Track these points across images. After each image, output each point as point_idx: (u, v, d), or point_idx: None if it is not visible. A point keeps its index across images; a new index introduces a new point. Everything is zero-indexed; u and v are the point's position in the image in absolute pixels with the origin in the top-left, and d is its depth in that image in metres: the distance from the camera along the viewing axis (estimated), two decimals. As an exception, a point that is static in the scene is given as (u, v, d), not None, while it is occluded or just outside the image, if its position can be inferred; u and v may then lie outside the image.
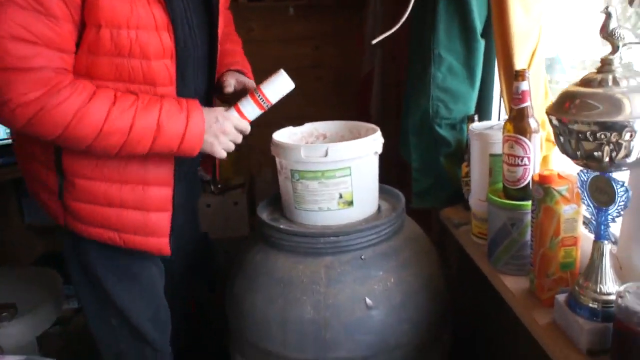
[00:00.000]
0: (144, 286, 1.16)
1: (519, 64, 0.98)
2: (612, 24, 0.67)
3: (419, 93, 1.30)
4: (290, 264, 1.11)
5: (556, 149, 0.99)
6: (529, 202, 0.94)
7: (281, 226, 1.15)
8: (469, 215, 1.27)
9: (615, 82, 0.67)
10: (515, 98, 0.94)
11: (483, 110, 1.31)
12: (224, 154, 1.05)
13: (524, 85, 0.93)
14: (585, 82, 0.70)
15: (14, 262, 2.29)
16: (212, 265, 1.55)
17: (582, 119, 0.67)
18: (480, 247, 1.13)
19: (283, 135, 1.30)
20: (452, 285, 1.36)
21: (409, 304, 1.08)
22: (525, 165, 0.96)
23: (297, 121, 2.51)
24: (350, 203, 1.17)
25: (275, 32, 2.45)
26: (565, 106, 0.71)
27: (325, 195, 1.15)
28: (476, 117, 1.25)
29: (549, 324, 0.84)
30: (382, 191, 1.31)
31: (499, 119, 1.32)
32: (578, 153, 0.71)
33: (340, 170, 1.13)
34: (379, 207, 1.26)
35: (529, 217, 0.95)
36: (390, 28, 2.19)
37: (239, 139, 1.06)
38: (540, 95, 1.02)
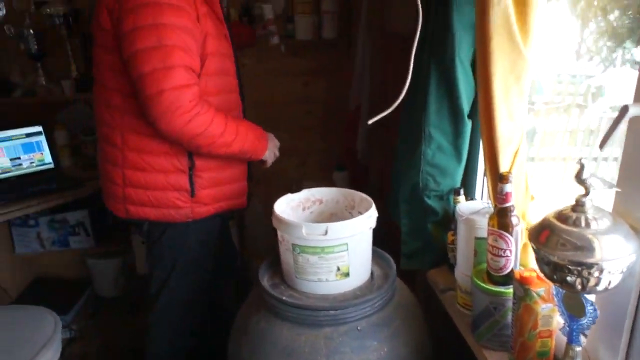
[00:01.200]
0: (217, 256, 1.67)
1: (503, 165, 1.09)
2: (585, 174, 0.78)
3: (409, 166, 1.40)
4: (293, 335, 1.20)
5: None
6: (510, 290, 1.06)
7: (284, 297, 1.24)
8: (454, 279, 1.39)
9: (587, 223, 0.78)
10: (499, 198, 1.05)
11: (468, 183, 1.42)
12: (270, 162, 1.64)
13: (507, 188, 1.04)
14: (561, 217, 0.81)
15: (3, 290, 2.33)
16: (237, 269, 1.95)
17: (559, 254, 0.78)
18: (465, 317, 1.24)
19: (282, 203, 1.39)
20: (436, 347, 1.45)
21: (400, 372, 1.19)
22: (507, 256, 1.07)
23: (288, 151, 2.60)
24: (347, 274, 1.26)
25: (268, 68, 2.52)
26: (542, 236, 0.82)
27: (324, 268, 1.25)
28: (462, 191, 1.35)
29: (525, 408, 0.95)
30: (374, 254, 1.41)
31: (482, 194, 1.42)
32: (554, 277, 0.82)
33: (339, 247, 1.23)
34: (372, 273, 1.37)
35: (510, 302, 1.06)
36: (376, 68, 2.27)
37: (277, 152, 1.66)
38: (521, 190, 1.13)
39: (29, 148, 2.29)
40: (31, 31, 2.23)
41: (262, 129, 1.56)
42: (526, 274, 0.97)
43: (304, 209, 1.46)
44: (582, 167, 0.78)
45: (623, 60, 1.28)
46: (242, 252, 2.61)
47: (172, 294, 1.61)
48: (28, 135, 2.29)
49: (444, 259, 1.45)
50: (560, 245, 0.79)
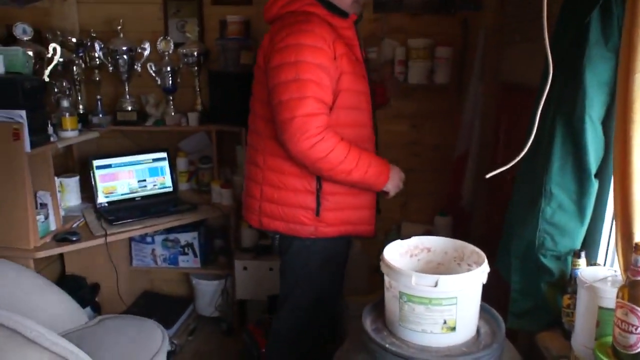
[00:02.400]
0: (339, 276, 1.82)
1: (638, 232, 1.02)
2: None
3: (525, 222, 1.35)
4: (393, 384, 1.19)
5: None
6: (641, 371, 0.97)
7: (387, 345, 1.23)
8: (567, 345, 1.29)
9: None
10: (633, 269, 0.98)
11: (589, 246, 1.33)
12: (393, 193, 1.73)
13: (643, 259, 0.96)
14: None
15: (119, 299, 2.53)
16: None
17: None
18: (582, 392, 1.15)
19: (391, 249, 1.39)
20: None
21: None
22: (639, 334, 0.99)
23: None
24: (453, 329, 1.23)
25: (378, 110, 2.57)
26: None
27: (430, 320, 1.23)
28: (583, 253, 1.28)
29: None
30: (480, 310, 1.36)
31: (605, 259, 1.33)
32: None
33: (448, 300, 1.21)
34: (478, 329, 1.32)
35: (639, 385, 0.98)
36: (487, 116, 2.23)
37: (401, 185, 1.75)
38: (657, 262, 1.04)
39: (154, 172, 2.52)
40: (168, 68, 2.48)
41: (386, 162, 1.68)
42: (663, 357, 0.89)
43: (411, 256, 1.46)
44: None
45: None
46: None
47: (294, 306, 1.79)
48: (155, 160, 2.53)
49: (557, 322, 1.36)
50: None
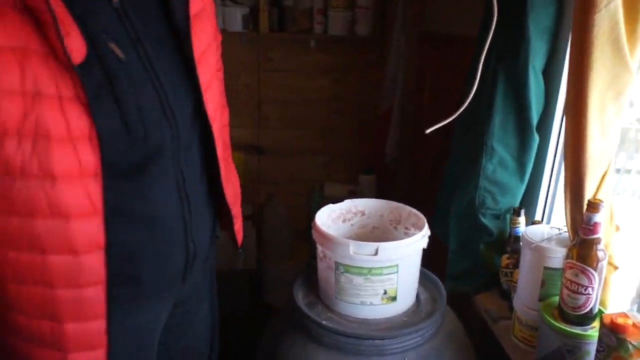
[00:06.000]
0: None
1: (589, 189, 0.96)
2: None
3: (466, 181, 1.27)
4: (332, 364, 1.07)
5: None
6: (591, 333, 0.94)
7: (323, 322, 1.11)
8: (506, 306, 1.26)
9: None
10: (585, 228, 0.92)
11: (528, 203, 1.29)
12: None
13: (596, 218, 0.90)
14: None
15: None
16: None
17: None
18: (525, 354, 1.11)
19: (323, 215, 1.26)
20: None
21: (451, 412, 1.07)
22: (588, 294, 0.94)
23: (312, 152, 2.45)
24: (394, 298, 1.14)
25: (296, 64, 2.38)
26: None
27: (369, 291, 1.12)
28: (522, 212, 1.22)
29: None
30: (420, 275, 1.28)
31: (543, 214, 1.30)
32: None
33: (388, 268, 1.10)
34: (418, 296, 1.24)
35: (588, 347, 0.94)
36: (411, 71, 2.14)
37: None
38: (605, 219, 1.00)
39: None
40: None
41: None
42: (619, 320, 0.84)
43: (344, 221, 1.33)
44: None
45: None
46: (258, 255, 2.49)
47: None
48: None
49: (493, 282, 1.32)
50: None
